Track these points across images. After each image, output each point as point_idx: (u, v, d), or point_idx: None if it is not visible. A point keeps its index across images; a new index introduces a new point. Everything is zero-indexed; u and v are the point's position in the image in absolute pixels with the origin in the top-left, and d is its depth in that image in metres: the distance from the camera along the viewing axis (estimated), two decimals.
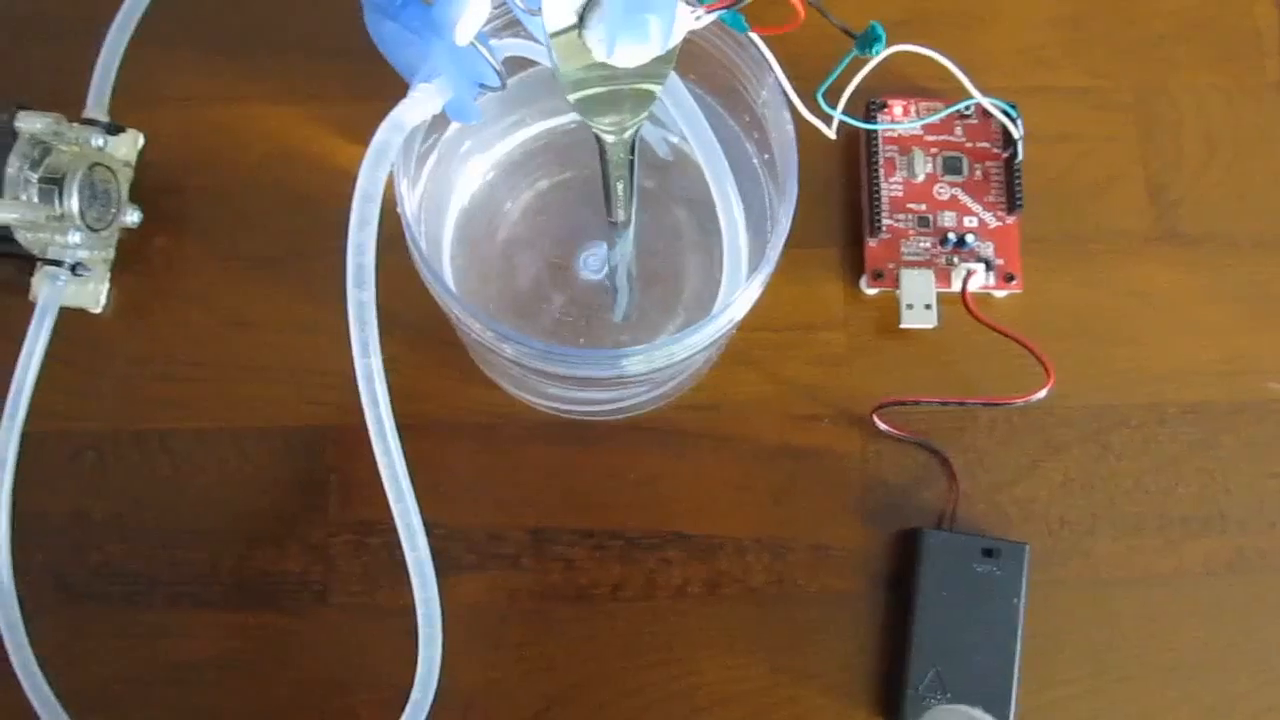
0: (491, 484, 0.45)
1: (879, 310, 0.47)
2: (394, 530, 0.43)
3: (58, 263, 0.44)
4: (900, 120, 0.48)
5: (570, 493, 0.45)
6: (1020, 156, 0.47)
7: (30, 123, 0.43)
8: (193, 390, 0.46)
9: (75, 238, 0.44)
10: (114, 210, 0.46)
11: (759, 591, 0.45)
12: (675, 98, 0.39)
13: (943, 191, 0.48)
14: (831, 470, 0.46)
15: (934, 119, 0.48)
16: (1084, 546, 0.45)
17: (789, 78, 0.37)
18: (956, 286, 0.46)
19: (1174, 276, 0.48)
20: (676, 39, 0.31)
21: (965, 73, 0.45)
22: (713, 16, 0.31)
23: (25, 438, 0.44)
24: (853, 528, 0.45)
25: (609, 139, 0.33)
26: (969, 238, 0.47)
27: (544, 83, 0.40)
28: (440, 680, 0.38)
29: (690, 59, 0.39)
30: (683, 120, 0.39)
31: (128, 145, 0.47)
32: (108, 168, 0.45)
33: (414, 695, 0.38)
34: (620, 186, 0.36)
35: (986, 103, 0.46)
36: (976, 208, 0.48)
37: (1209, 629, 0.45)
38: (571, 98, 0.31)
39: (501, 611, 0.44)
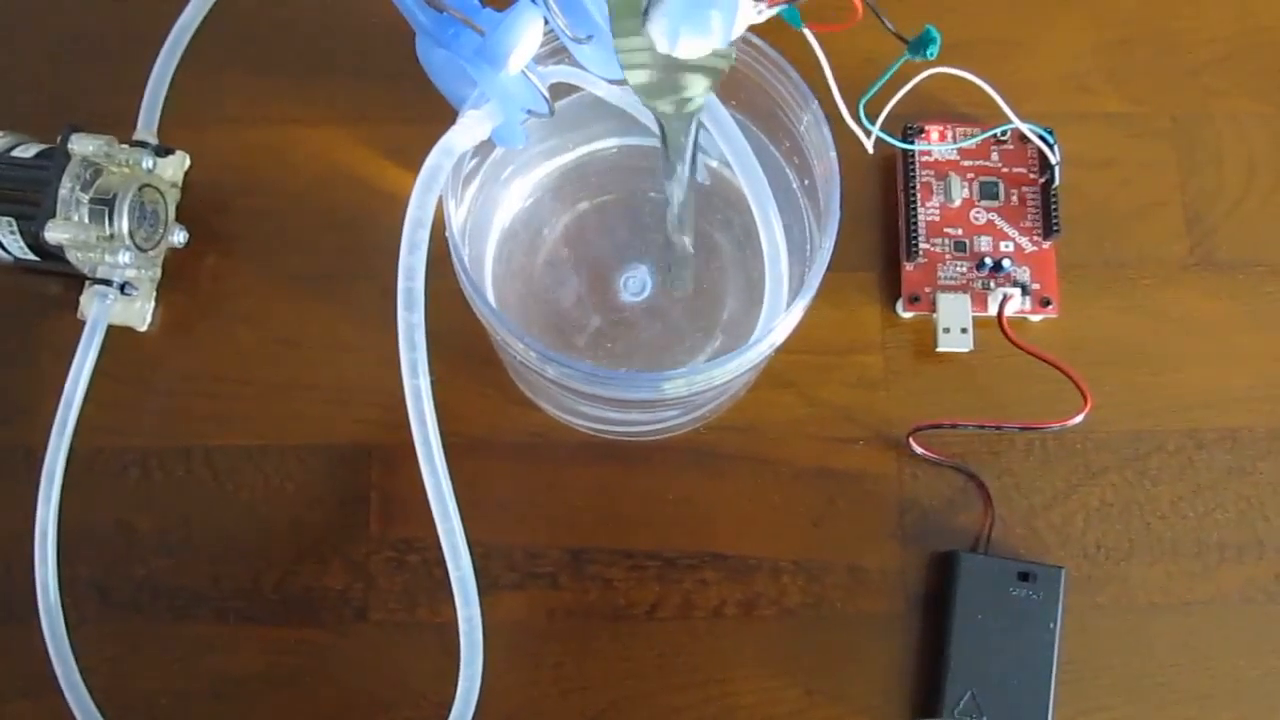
0: (531, 503, 0.46)
1: (916, 334, 0.48)
2: (433, 548, 0.44)
3: (107, 281, 0.45)
4: (937, 145, 0.48)
5: (609, 513, 0.46)
6: (1057, 182, 0.47)
7: (83, 145, 0.44)
8: (237, 407, 0.47)
9: (124, 257, 0.44)
10: (161, 230, 0.47)
11: (795, 613, 0.45)
12: (719, 123, 0.40)
13: (979, 216, 0.48)
14: (868, 493, 0.46)
15: (970, 143, 0.48)
16: (1120, 572, 0.45)
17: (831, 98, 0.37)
18: (993, 311, 0.46)
19: (1212, 303, 0.48)
20: (738, 32, 0.31)
21: (1004, 98, 0.46)
22: (774, 10, 0.32)
23: (73, 452, 0.45)
24: (889, 550, 0.45)
25: (670, 120, 0.33)
26: (1005, 262, 0.47)
27: (586, 107, 0.41)
28: (479, 698, 0.39)
29: (732, 85, 0.39)
30: (726, 145, 0.40)
31: (174, 166, 0.48)
32: (156, 189, 0.46)
33: (455, 710, 0.38)
34: (680, 169, 0.36)
35: (1024, 128, 0.47)
36: (1013, 232, 0.48)
37: (1247, 656, 0.45)
38: (632, 82, 0.32)
39: (540, 630, 0.45)
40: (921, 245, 0.47)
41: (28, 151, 0.45)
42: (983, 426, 0.45)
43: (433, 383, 0.34)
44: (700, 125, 0.35)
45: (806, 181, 0.40)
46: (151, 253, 0.46)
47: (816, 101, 0.37)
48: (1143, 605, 0.45)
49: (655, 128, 0.34)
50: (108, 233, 0.44)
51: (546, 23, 0.33)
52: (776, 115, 0.39)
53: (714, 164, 0.44)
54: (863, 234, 0.49)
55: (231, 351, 0.47)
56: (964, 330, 0.46)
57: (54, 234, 0.43)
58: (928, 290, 0.47)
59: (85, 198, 0.44)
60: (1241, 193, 0.49)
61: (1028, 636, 0.43)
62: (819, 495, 0.46)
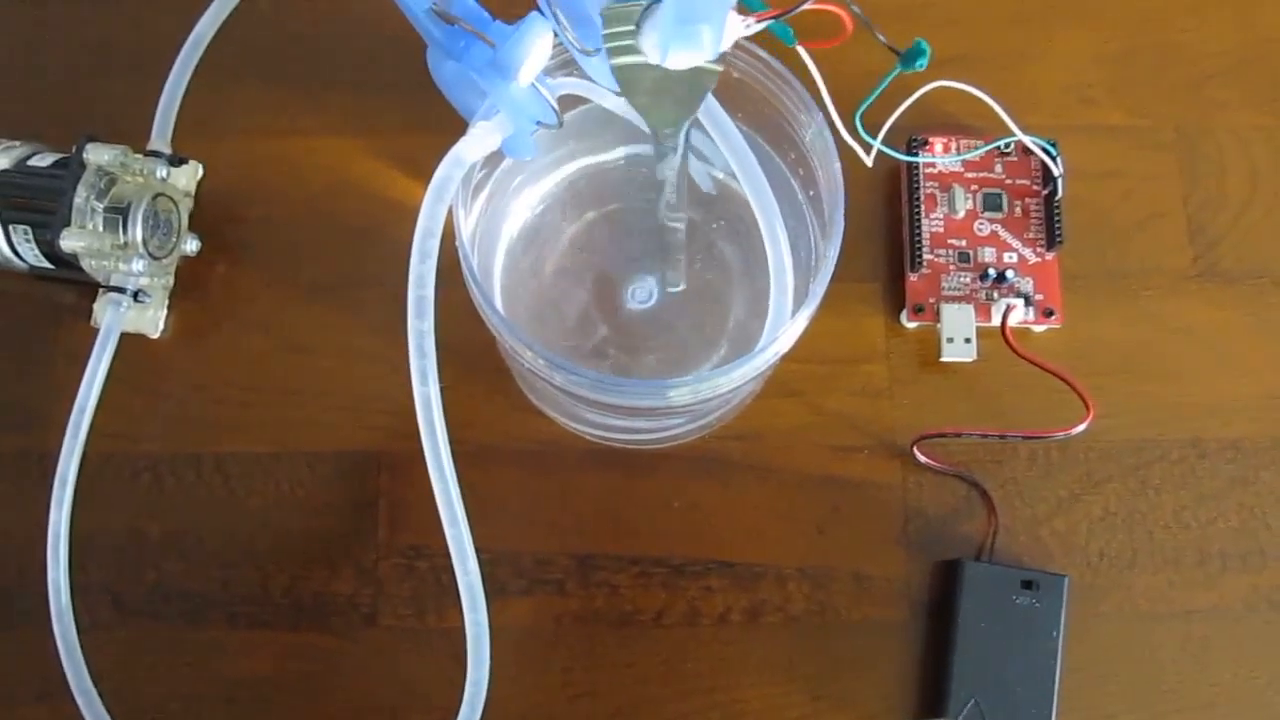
0: (538, 510, 0.46)
1: (920, 344, 0.48)
2: (441, 554, 0.44)
3: (120, 289, 0.46)
4: (940, 156, 0.49)
5: (616, 520, 0.46)
6: (1060, 193, 0.47)
7: (98, 154, 0.44)
8: (248, 414, 0.47)
9: (138, 265, 0.45)
10: (175, 239, 0.47)
11: (800, 620, 0.45)
12: (724, 134, 0.40)
13: (983, 227, 0.48)
14: (872, 501, 0.46)
15: (974, 155, 0.49)
16: (1124, 580, 0.46)
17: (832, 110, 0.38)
18: (996, 321, 0.47)
19: (1214, 314, 0.49)
20: (727, 45, 0.32)
21: (1006, 110, 0.46)
22: (763, 25, 0.32)
23: (85, 458, 0.45)
24: (893, 558, 0.46)
25: (661, 128, 0.34)
26: (1009, 273, 0.47)
27: (594, 119, 0.41)
28: (486, 703, 0.39)
29: (737, 97, 0.40)
30: (732, 156, 0.40)
31: (188, 176, 0.48)
32: (169, 198, 0.47)
33: (461, 715, 0.39)
34: (672, 175, 0.36)
35: (1027, 140, 0.47)
36: (1016, 243, 0.48)
37: (1249, 664, 0.45)
38: (624, 93, 0.32)
39: (547, 636, 0.45)
40: (926, 256, 0.48)
41: (44, 161, 0.45)
42: (986, 435, 0.46)
43: (442, 390, 0.34)
44: (688, 134, 0.36)
45: (811, 192, 0.40)
46: (164, 261, 0.47)
47: (821, 113, 0.37)
48: (1146, 614, 0.46)
49: (649, 133, 0.35)
50: (122, 241, 0.44)
51: (556, 36, 0.33)
52: (781, 127, 0.40)
53: (720, 175, 0.45)
54: (867, 245, 0.49)
55: (242, 359, 0.48)
56: (968, 340, 0.47)
57: (69, 242, 0.43)
58: (932, 301, 0.47)
59: (100, 206, 0.44)
60: (1244, 204, 0.50)
61: (1031, 644, 0.44)
62: (824, 503, 0.46)
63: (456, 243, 0.36)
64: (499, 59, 0.32)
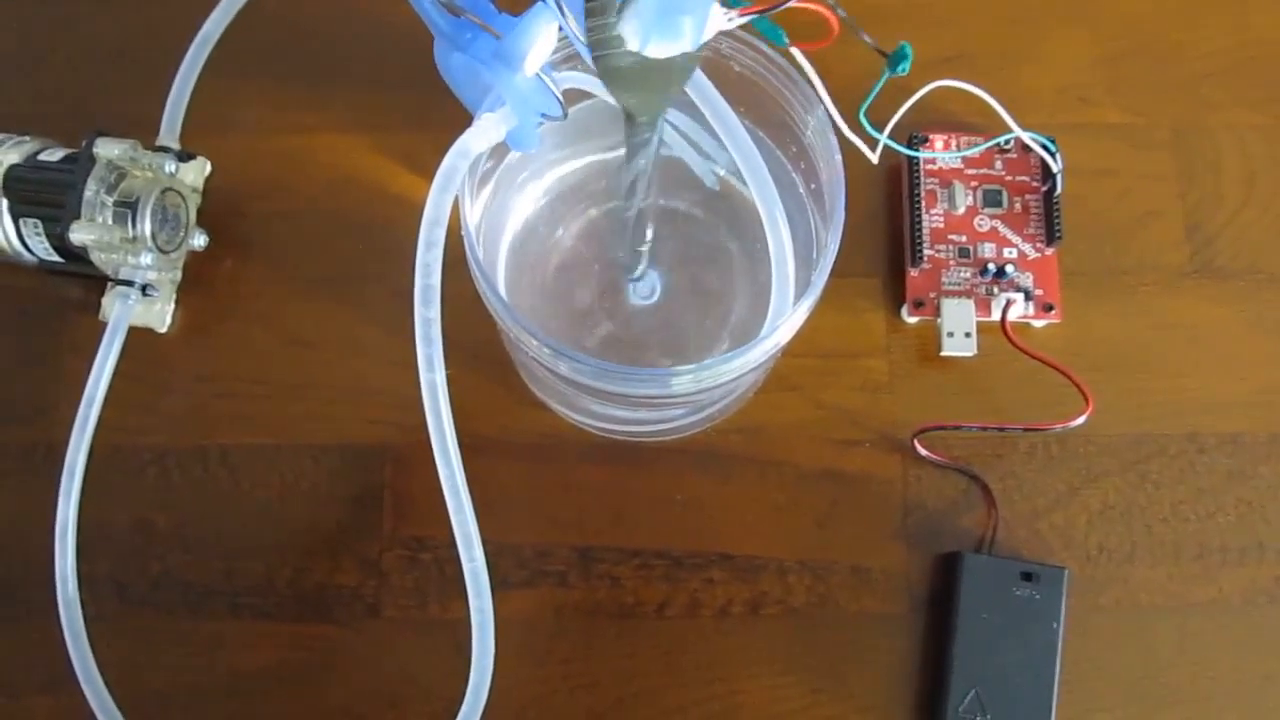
0: (540, 502, 0.47)
1: (920, 338, 0.48)
2: (445, 546, 0.45)
3: (129, 283, 0.46)
4: (941, 153, 0.49)
5: (617, 513, 0.46)
6: (1059, 190, 0.48)
7: (108, 149, 0.45)
8: (254, 407, 0.47)
9: (146, 259, 0.45)
10: (182, 233, 0.48)
11: (800, 612, 0.46)
12: (727, 128, 0.41)
13: (983, 223, 0.49)
14: (873, 494, 0.47)
15: (973, 152, 0.49)
16: (1122, 573, 0.46)
17: (833, 107, 0.38)
18: (996, 316, 0.47)
19: (1211, 310, 0.49)
20: (708, 37, 0.32)
21: (1006, 108, 0.47)
22: (745, 19, 0.33)
23: (93, 451, 0.46)
24: (893, 551, 0.46)
25: (637, 115, 0.34)
26: (1008, 268, 0.48)
27: (598, 114, 0.41)
28: (489, 693, 0.39)
29: (740, 92, 0.40)
30: (734, 149, 0.41)
31: (195, 171, 0.49)
32: (178, 192, 0.47)
33: (466, 702, 0.39)
34: (643, 164, 0.37)
35: (1026, 137, 0.48)
36: (1016, 239, 0.49)
37: (1248, 658, 0.45)
38: (602, 79, 0.33)
39: (548, 627, 0.45)
40: (926, 251, 0.48)
41: (53, 155, 0.46)
42: (986, 428, 0.46)
43: (448, 377, 0.34)
44: (662, 126, 0.36)
45: (813, 186, 0.41)
46: (172, 255, 0.47)
47: (823, 106, 0.38)
48: (1144, 607, 0.46)
49: (623, 120, 0.35)
50: (130, 235, 0.45)
51: (561, 28, 0.34)
52: (783, 121, 0.40)
53: (722, 171, 0.45)
54: (868, 240, 0.50)
55: (249, 353, 0.48)
56: (968, 335, 0.47)
57: (79, 235, 0.44)
58: (932, 295, 0.48)
59: (109, 200, 0.45)
60: (1240, 202, 0.50)
61: (1031, 636, 0.44)
62: (824, 497, 0.47)
63: (462, 232, 0.36)
64: (504, 49, 0.33)
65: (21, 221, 0.45)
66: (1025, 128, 0.47)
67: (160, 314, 0.48)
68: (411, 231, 0.34)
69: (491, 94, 0.35)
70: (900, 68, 0.38)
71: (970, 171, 0.49)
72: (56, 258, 0.46)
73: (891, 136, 0.45)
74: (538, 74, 0.34)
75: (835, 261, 0.36)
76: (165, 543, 0.46)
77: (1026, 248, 0.48)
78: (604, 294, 0.45)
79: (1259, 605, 0.46)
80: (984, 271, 0.48)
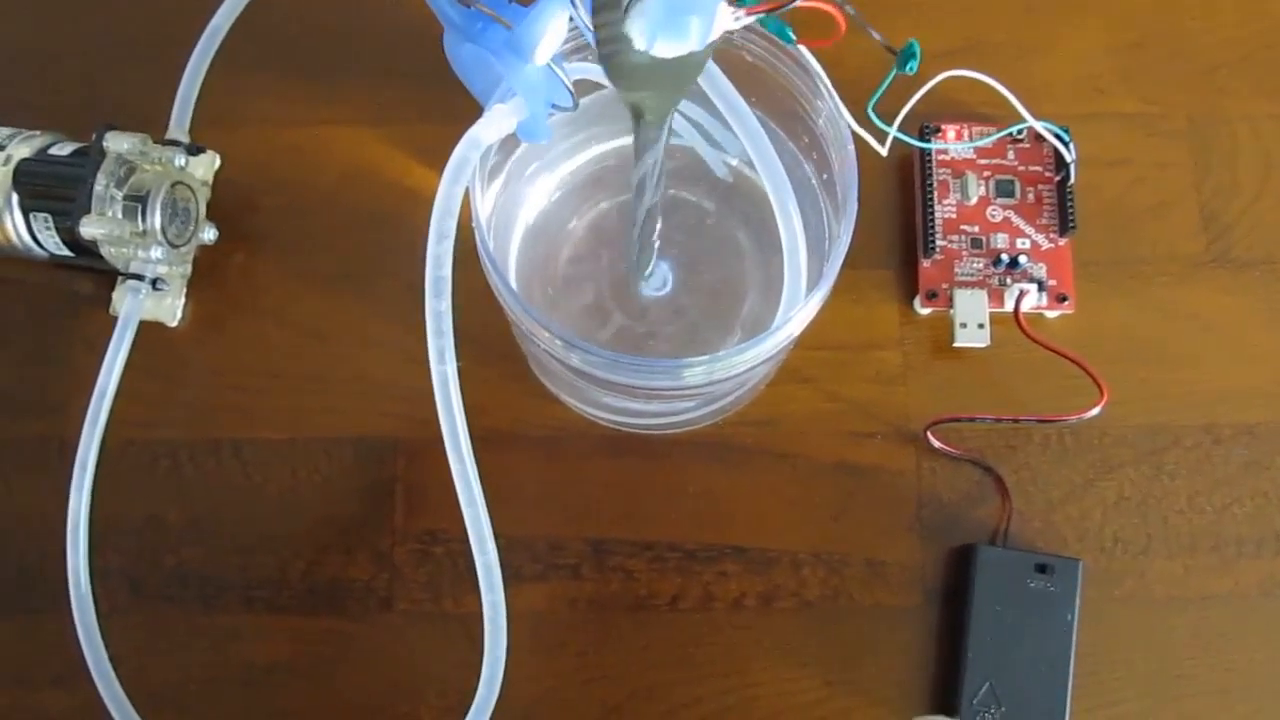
0: (553, 495, 0.46)
1: (933, 330, 0.48)
2: (457, 539, 0.45)
3: (139, 277, 0.46)
4: (953, 144, 0.49)
5: (630, 505, 0.46)
6: (1073, 180, 0.48)
7: (118, 143, 0.45)
8: (265, 401, 0.47)
9: (157, 253, 0.45)
10: (193, 227, 0.48)
11: (814, 605, 0.45)
12: (740, 119, 0.40)
13: (995, 214, 0.49)
14: (886, 486, 0.46)
15: (986, 142, 0.49)
16: (1138, 565, 0.46)
17: (844, 99, 0.38)
18: (1009, 307, 0.47)
19: (1227, 300, 0.49)
20: (715, 36, 0.32)
21: (1019, 98, 0.46)
22: (752, 19, 0.33)
23: (104, 445, 0.46)
24: (907, 543, 0.46)
25: (644, 112, 0.34)
26: (1021, 259, 0.47)
27: (609, 105, 0.41)
28: (502, 686, 0.39)
29: (751, 82, 0.40)
30: (746, 140, 0.41)
31: (205, 165, 0.49)
32: (188, 186, 0.47)
33: (479, 694, 0.39)
34: (651, 161, 0.36)
35: (1039, 126, 0.47)
36: (1029, 230, 0.48)
37: (1265, 650, 0.45)
38: (609, 77, 0.33)
39: (561, 620, 0.45)
40: (939, 242, 0.48)
41: (63, 150, 0.46)
42: (1000, 420, 0.46)
43: (459, 369, 0.34)
44: (670, 125, 0.36)
45: (825, 176, 0.41)
46: (183, 249, 0.47)
47: (835, 96, 0.38)
48: (1160, 599, 0.46)
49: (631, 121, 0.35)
50: (141, 229, 0.45)
51: (571, 18, 0.34)
52: (795, 111, 0.40)
53: (734, 161, 0.45)
54: (881, 232, 0.49)
55: (260, 347, 0.48)
56: (981, 326, 0.47)
57: (89, 229, 0.44)
58: (945, 287, 0.48)
59: (119, 194, 0.45)
60: (1257, 191, 0.50)
61: (1045, 628, 0.44)
62: (838, 489, 0.46)
63: (473, 224, 0.36)
64: (515, 39, 0.33)
65: (32, 216, 0.45)
66: (1039, 117, 0.47)
67: (171, 308, 0.48)
68: (422, 224, 0.33)
69: (502, 85, 0.35)
70: (909, 66, 0.37)
71: (983, 162, 0.49)
72: (67, 252, 0.46)
73: (903, 127, 0.45)
74: (548, 64, 0.34)
75: (847, 252, 0.36)
76: (178, 537, 0.46)
77: (1040, 238, 0.48)
78: (615, 286, 0.45)
79: (1276, 597, 0.46)
80: (997, 262, 0.48)
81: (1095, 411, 0.43)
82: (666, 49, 0.31)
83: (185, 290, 0.48)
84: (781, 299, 0.43)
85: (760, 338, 0.36)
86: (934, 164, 0.49)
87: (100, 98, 0.51)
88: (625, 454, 0.47)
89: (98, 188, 0.44)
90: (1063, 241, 0.48)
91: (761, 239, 0.45)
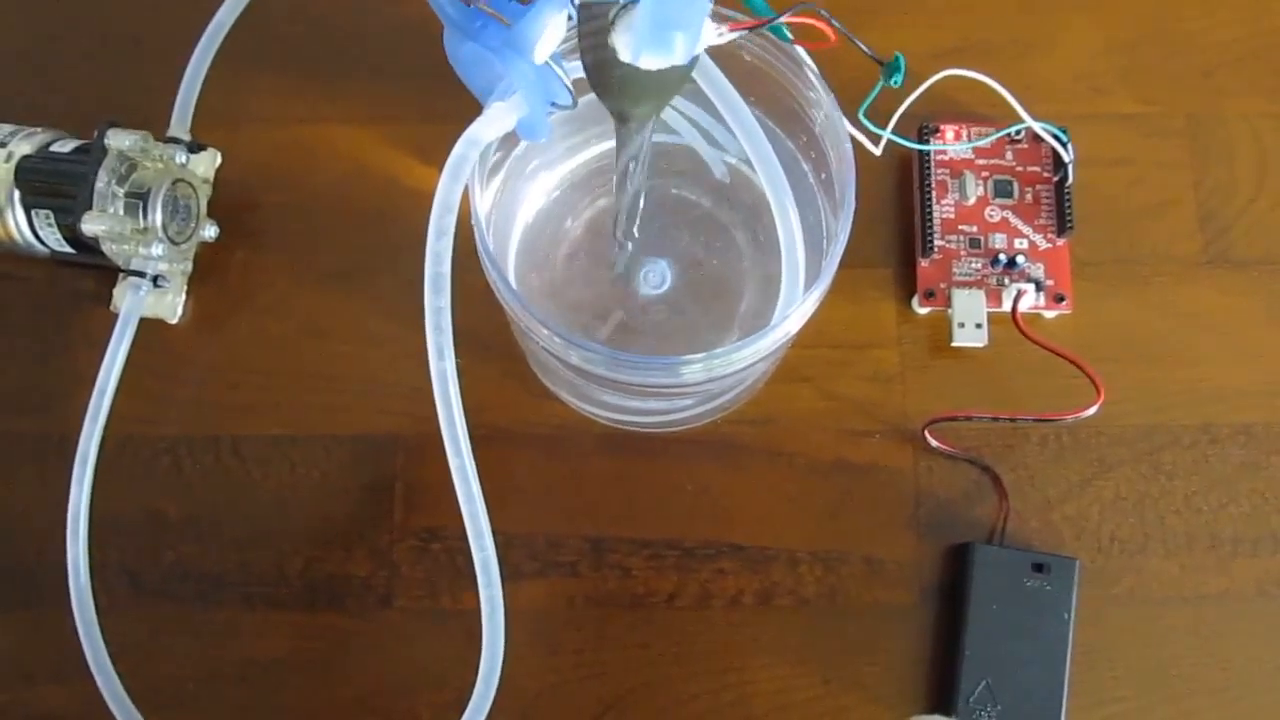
0: (552, 493, 0.47)
1: (931, 329, 0.48)
2: (456, 537, 0.45)
3: (140, 274, 0.46)
4: (951, 144, 0.49)
5: (628, 503, 0.46)
6: (1071, 180, 0.48)
7: (119, 140, 0.45)
8: (265, 398, 0.48)
9: (158, 250, 0.46)
10: (194, 224, 0.48)
11: (811, 603, 0.46)
12: (737, 117, 0.40)
13: (993, 214, 0.49)
14: (884, 485, 0.47)
15: (984, 142, 0.49)
16: (1135, 564, 0.46)
17: (842, 99, 0.38)
18: (1007, 306, 0.47)
19: (1225, 300, 0.49)
20: (699, 50, 0.32)
21: (1017, 98, 0.47)
22: (736, 34, 0.33)
23: (104, 441, 0.46)
24: (904, 541, 0.46)
25: (627, 122, 0.34)
26: (1019, 259, 0.48)
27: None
28: (500, 682, 0.39)
29: (749, 81, 0.40)
30: (745, 139, 0.41)
31: (206, 163, 0.49)
32: (189, 184, 0.47)
33: (476, 690, 0.39)
34: (632, 167, 0.37)
35: (1037, 127, 0.47)
36: (1027, 230, 0.48)
37: (1261, 649, 0.45)
38: (593, 87, 0.33)
39: (560, 617, 0.45)
40: (937, 242, 0.48)
41: (65, 147, 0.46)
42: (997, 418, 0.46)
43: (458, 367, 0.34)
44: (651, 133, 0.36)
45: (824, 175, 0.41)
46: (183, 246, 0.47)
47: (833, 94, 0.38)
48: (1157, 598, 0.46)
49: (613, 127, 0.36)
50: (142, 226, 0.45)
51: (571, 16, 0.34)
52: (793, 110, 0.40)
53: (732, 160, 0.45)
54: (879, 231, 0.49)
55: (260, 344, 0.48)
56: (979, 325, 0.47)
57: (91, 226, 0.44)
58: (943, 286, 0.48)
59: (121, 191, 0.45)
60: (1255, 192, 0.50)
61: (1042, 627, 0.44)
62: (835, 487, 0.47)
63: (472, 221, 0.36)
64: (514, 37, 0.33)
65: (34, 212, 0.45)
66: (1037, 117, 0.47)
67: (171, 305, 0.48)
68: (422, 222, 0.33)
69: (502, 83, 0.35)
70: (894, 79, 0.38)
71: (981, 162, 0.49)
72: (68, 249, 0.46)
73: (901, 126, 0.45)
74: (548, 62, 0.34)
75: (845, 251, 0.36)
76: (177, 533, 0.46)
77: (1038, 238, 0.48)
78: (614, 283, 0.45)
79: (1272, 596, 0.46)
80: (995, 262, 0.48)
81: (1092, 411, 0.43)
82: (651, 62, 0.32)
83: (186, 287, 0.49)
84: (779, 297, 0.43)
85: (758, 335, 0.36)
86: (932, 164, 0.49)
87: (102, 95, 0.51)
88: (623, 452, 0.47)
89: (99, 185, 0.44)
90: (1060, 241, 0.48)
91: (759, 237, 0.45)
